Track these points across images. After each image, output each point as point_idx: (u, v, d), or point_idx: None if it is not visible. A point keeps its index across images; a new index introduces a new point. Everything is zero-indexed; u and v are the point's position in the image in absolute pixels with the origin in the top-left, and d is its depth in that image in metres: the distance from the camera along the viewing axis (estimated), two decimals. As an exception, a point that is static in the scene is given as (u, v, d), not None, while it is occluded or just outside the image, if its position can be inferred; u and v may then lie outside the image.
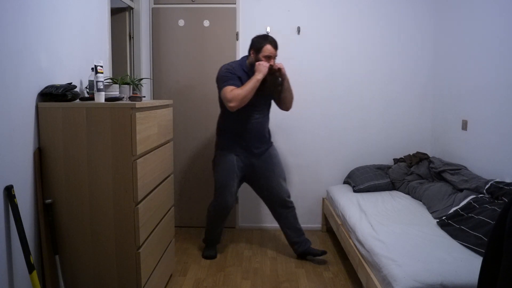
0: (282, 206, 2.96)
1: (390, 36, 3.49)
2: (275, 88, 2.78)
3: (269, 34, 3.23)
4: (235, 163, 2.85)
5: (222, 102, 2.79)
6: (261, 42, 2.72)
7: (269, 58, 2.71)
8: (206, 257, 3.02)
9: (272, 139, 3.05)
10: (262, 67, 2.65)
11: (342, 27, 3.48)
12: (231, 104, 2.61)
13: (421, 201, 2.87)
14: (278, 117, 3.49)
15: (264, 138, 2.92)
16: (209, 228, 3.06)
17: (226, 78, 2.70)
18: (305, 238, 3.00)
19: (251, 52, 2.77)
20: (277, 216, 3.00)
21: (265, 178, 2.92)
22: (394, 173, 3.29)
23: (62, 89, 1.82)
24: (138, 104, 1.87)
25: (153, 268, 2.15)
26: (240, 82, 2.70)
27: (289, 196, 2.97)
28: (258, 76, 2.64)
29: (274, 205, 2.97)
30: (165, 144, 2.40)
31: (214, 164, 2.93)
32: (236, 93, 2.60)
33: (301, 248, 2.97)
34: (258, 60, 2.71)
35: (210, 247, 3.08)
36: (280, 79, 2.76)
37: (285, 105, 2.91)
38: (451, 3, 3.23)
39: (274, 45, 2.73)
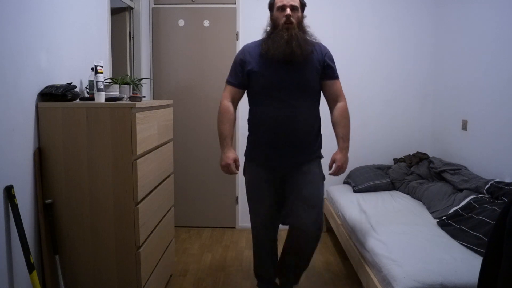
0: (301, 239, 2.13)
1: (390, 36, 3.49)
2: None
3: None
4: (264, 178, 2.15)
5: (247, 88, 2.18)
6: None
7: (283, 9, 2.06)
8: None
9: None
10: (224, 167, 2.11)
11: (342, 27, 3.48)
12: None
13: (421, 201, 2.86)
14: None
15: (304, 143, 2.11)
16: (254, 260, 2.41)
17: (230, 70, 2.20)
18: None
19: (269, 16, 2.20)
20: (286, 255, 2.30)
21: (288, 200, 2.15)
22: (394, 173, 3.29)
23: (62, 89, 1.82)
24: (138, 104, 1.87)
25: (153, 268, 2.15)
26: (241, 74, 2.13)
27: (318, 229, 2.11)
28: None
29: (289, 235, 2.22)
30: (165, 144, 2.40)
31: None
32: (222, 108, 2.13)
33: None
34: (273, 19, 2.13)
35: (262, 283, 2.41)
36: None
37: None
38: (451, 3, 3.23)
39: None
